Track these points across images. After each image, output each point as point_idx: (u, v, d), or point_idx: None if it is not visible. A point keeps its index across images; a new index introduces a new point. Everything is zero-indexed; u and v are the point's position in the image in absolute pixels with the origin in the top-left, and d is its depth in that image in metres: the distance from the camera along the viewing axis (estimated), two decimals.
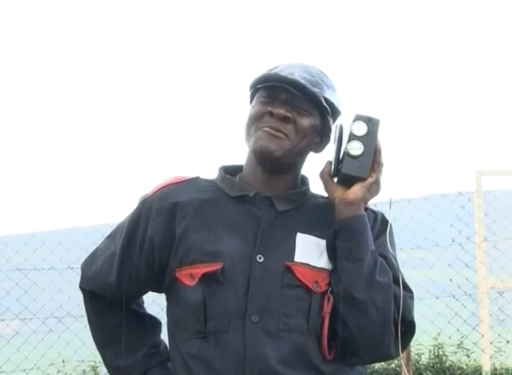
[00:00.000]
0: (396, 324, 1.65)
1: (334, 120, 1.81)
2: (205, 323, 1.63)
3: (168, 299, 1.76)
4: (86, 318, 1.88)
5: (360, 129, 1.68)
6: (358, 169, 1.67)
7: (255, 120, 1.74)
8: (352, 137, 1.68)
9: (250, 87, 1.81)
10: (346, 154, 1.67)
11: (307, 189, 1.81)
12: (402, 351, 1.65)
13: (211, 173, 1.84)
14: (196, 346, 1.65)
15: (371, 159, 1.68)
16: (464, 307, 6.48)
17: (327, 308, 1.65)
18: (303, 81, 1.73)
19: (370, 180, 1.68)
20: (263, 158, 1.73)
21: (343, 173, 1.68)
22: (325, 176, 1.74)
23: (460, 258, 6.40)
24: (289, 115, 1.72)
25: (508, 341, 6.66)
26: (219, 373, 1.61)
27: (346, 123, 1.75)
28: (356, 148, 1.67)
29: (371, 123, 1.68)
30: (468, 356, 7.70)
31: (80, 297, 1.89)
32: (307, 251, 1.68)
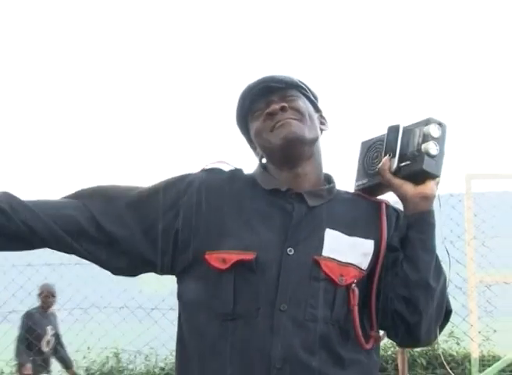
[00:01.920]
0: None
1: (317, 101, 1.80)
2: (234, 306, 1.59)
3: (185, 280, 1.67)
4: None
5: (436, 131, 1.68)
6: (435, 168, 1.67)
7: (262, 130, 1.72)
8: (430, 137, 1.67)
9: (238, 121, 1.80)
10: (426, 153, 1.66)
11: (334, 186, 1.77)
12: (439, 335, 1.68)
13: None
14: (223, 327, 1.60)
15: (443, 160, 1.69)
16: (455, 299, 6.26)
17: (354, 300, 1.61)
18: (271, 74, 1.77)
19: (439, 178, 1.69)
20: (291, 144, 1.69)
21: (421, 170, 1.66)
22: (387, 172, 1.70)
23: (451, 255, 6.38)
24: (283, 104, 1.70)
25: (495, 331, 6.67)
26: (245, 355, 1.57)
27: (403, 124, 1.74)
28: (434, 148, 1.67)
29: (443, 128, 1.70)
30: (458, 344, 7.73)
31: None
32: (335, 247, 1.64)
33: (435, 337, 1.68)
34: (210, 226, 1.65)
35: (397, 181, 1.69)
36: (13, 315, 7.50)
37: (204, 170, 1.75)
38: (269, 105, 1.71)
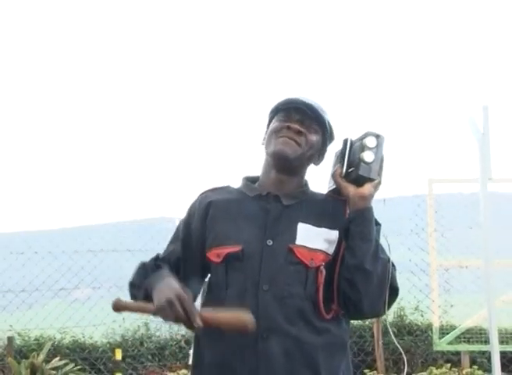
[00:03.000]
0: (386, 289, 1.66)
1: (330, 143, 1.83)
2: (226, 291, 1.64)
3: (208, 275, 1.76)
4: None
5: (372, 142, 1.68)
6: (370, 172, 1.67)
7: (275, 132, 1.75)
8: (366, 148, 1.67)
9: (272, 111, 1.82)
10: (362, 160, 1.67)
11: (308, 188, 1.81)
12: (388, 309, 1.67)
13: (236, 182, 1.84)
14: (219, 304, 1.63)
15: (378, 165, 1.68)
16: (420, 280, 6.50)
17: (321, 279, 1.64)
18: (315, 106, 1.77)
19: (377, 181, 1.68)
20: (279, 159, 1.73)
21: (358, 175, 1.67)
22: (338, 176, 1.73)
23: (417, 244, 6.50)
24: (302, 130, 1.73)
25: (452, 305, 6.73)
26: None
27: (353, 137, 1.76)
28: (369, 156, 1.67)
29: (379, 139, 1.69)
30: (422, 316, 7.72)
31: (128, 273, 1.87)
32: (306, 236, 1.67)
33: (383, 310, 1.67)
34: (209, 229, 1.72)
35: (343, 184, 1.71)
36: (62, 292, 7.56)
37: (200, 195, 1.82)
38: (295, 122, 1.74)
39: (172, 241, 1.83)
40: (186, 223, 1.79)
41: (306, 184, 1.81)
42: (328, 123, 1.79)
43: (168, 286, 1.58)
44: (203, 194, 1.82)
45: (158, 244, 5.67)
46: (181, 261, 1.77)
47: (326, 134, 1.80)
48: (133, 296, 1.73)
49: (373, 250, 1.64)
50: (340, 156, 1.74)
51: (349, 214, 1.68)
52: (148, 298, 1.62)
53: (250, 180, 1.83)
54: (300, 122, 1.74)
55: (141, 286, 1.68)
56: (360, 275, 1.62)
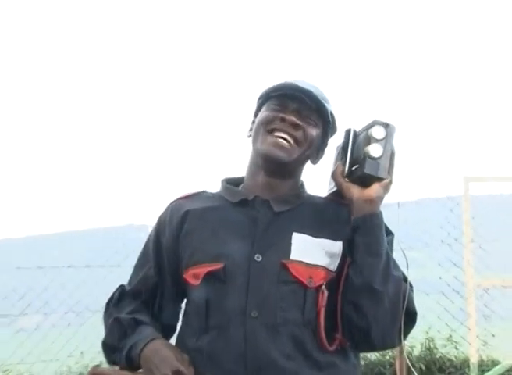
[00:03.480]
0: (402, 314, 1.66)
1: (331, 136, 1.85)
2: (207, 319, 1.64)
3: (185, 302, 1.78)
4: (102, 312, 1.87)
5: (380, 133, 1.67)
6: (378, 170, 1.66)
7: (265, 124, 1.76)
8: (372, 140, 1.67)
9: (261, 97, 1.83)
10: (367, 155, 1.66)
11: (303, 191, 1.82)
12: (404, 339, 1.66)
13: (214, 187, 1.87)
14: (199, 341, 1.65)
15: (388, 161, 1.68)
16: (453, 303, 6.45)
17: (322, 301, 1.64)
18: (316, 92, 1.76)
19: (387, 180, 1.68)
20: (270, 162, 1.74)
21: (364, 173, 1.66)
22: (339, 176, 1.72)
23: (449, 258, 6.41)
24: (300, 123, 1.73)
25: (493, 335, 6.70)
26: (221, 367, 1.61)
27: (357, 127, 1.75)
28: (376, 150, 1.66)
29: (389, 128, 1.68)
30: (457, 349, 7.69)
31: (97, 293, 1.93)
32: (303, 249, 1.67)
33: (397, 341, 1.65)
34: (184, 245, 1.73)
35: (345, 185, 1.70)
36: (3, 319, 7.52)
37: (169, 205, 1.83)
38: (291, 113, 1.74)
39: (140, 265, 1.84)
40: (156, 240, 1.81)
41: (302, 186, 1.83)
42: (331, 113, 1.80)
43: (163, 359, 1.61)
44: (173, 202, 1.83)
45: (127, 258, 5.68)
46: (157, 289, 1.79)
47: (328, 127, 1.81)
48: (111, 360, 1.74)
49: (383, 266, 1.64)
50: (342, 151, 1.74)
51: (353, 221, 1.67)
52: (132, 362, 1.65)
53: (232, 183, 1.84)
54: (296, 112, 1.75)
55: (121, 348, 1.69)
56: (367, 297, 1.62)
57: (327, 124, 1.80)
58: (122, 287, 1.84)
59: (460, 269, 5.84)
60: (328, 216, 1.74)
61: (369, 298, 1.61)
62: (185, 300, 1.77)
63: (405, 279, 1.69)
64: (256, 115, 1.83)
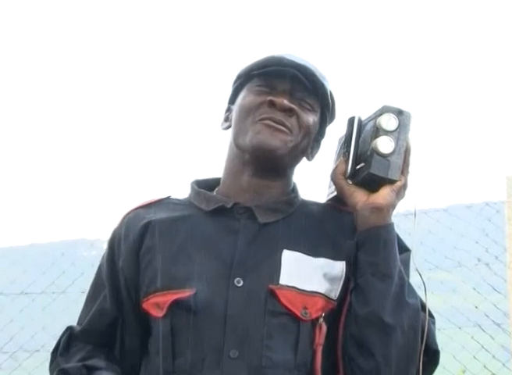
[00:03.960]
0: (420, 353, 1.66)
1: (329, 124, 1.84)
2: (173, 361, 1.60)
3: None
4: (41, 354, 1.86)
5: (391, 123, 1.66)
6: (388, 170, 1.65)
7: (250, 112, 1.75)
8: (381, 131, 1.66)
9: (239, 77, 1.82)
10: (375, 151, 1.65)
11: (296, 196, 1.82)
12: None
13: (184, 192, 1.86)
14: None
15: (402, 159, 1.67)
16: (492, 339, 6.39)
17: (319, 338, 1.65)
18: (311, 68, 1.76)
19: (399, 183, 1.67)
20: (262, 156, 1.73)
21: (370, 174, 1.66)
22: (340, 177, 1.72)
23: (488, 281, 6.31)
24: (293, 106, 1.73)
25: None
26: None
27: (364, 115, 1.75)
28: (386, 145, 1.65)
29: (402, 117, 1.67)
30: None
31: (35, 328, 1.89)
32: (295, 272, 1.67)
33: None
34: (144, 267, 1.69)
35: (347, 188, 1.70)
36: None
37: (125, 216, 1.83)
38: (281, 95, 1.73)
39: (92, 296, 1.82)
40: (110, 262, 1.79)
41: (294, 190, 1.83)
42: (331, 94, 1.80)
43: None
44: (130, 213, 1.82)
45: (76, 281, 5.63)
46: (116, 325, 1.77)
47: (326, 112, 1.81)
48: None
49: (395, 291, 1.64)
50: (345, 145, 1.74)
51: (357, 236, 1.67)
52: None
53: (205, 186, 1.81)
54: (288, 94, 1.74)
55: None
56: (375, 332, 1.62)
57: (325, 108, 1.81)
58: (70, 329, 1.80)
59: (501, 296, 5.86)
60: (327, 229, 1.75)
61: (377, 334, 1.62)
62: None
63: (423, 307, 1.69)
64: (233, 101, 1.83)
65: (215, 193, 1.81)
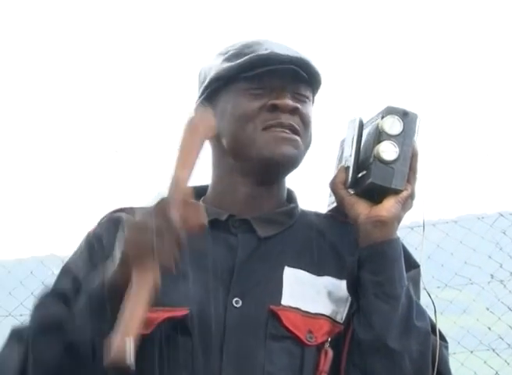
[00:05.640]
0: None
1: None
2: None
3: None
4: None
5: (395, 126, 1.64)
6: (392, 179, 1.64)
7: (249, 119, 1.71)
8: (384, 135, 1.63)
9: (218, 79, 1.75)
10: (377, 158, 1.63)
11: (296, 207, 1.80)
12: None
13: None
14: None
15: (407, 166, 1.65)
16: (508, 364, 6.28)
17: (324, 365, 1.63)
18: (305, 58, 1.74)
19: (405, 193, 1.65)
20: (274, 167, 1.72)
21: (372, 183, 1.64)
22: (340, 186, 1.69)
23: (502, 300, 6.34)
24: (298, 105, 1.72)
25: None
26: None
27: (366, 117, 1.73)
28: (389, 151, 1.63)
29: (408, 119, 1.65)
30: None
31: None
32: (298, 291, 1.67)
33: None
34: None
35: (348, 199, 1.67)
36: None
37: (108, 215, 1.77)
38: (279, 95, 1.70)
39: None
40: (89, 264, 1.71)
41: (293, 199, 1.81)
42: (320, 74, 1.80)
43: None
44: (114, 213, 1.78)
45: None
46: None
47: (316, 93, 1.81)
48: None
49: (402, 314, 1.61)
50: (346, 150, 1.75)
51: (358, 252, 1.65)
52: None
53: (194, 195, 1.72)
54: (287, 92, 1.72)
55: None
56: (380, 359, 1.60)
57: (316, 90, 1.80)
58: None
59: None
60: (330, 243, 1.74)
61: (382, 361, 1.61)
62: None
63: (434, 330, 1.66)
64: (210, 100, 1.76)
65: (201, 202, 1.75)
